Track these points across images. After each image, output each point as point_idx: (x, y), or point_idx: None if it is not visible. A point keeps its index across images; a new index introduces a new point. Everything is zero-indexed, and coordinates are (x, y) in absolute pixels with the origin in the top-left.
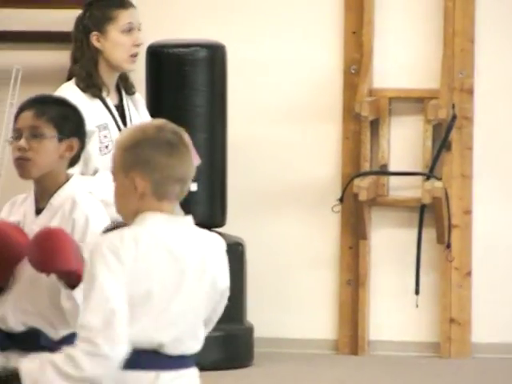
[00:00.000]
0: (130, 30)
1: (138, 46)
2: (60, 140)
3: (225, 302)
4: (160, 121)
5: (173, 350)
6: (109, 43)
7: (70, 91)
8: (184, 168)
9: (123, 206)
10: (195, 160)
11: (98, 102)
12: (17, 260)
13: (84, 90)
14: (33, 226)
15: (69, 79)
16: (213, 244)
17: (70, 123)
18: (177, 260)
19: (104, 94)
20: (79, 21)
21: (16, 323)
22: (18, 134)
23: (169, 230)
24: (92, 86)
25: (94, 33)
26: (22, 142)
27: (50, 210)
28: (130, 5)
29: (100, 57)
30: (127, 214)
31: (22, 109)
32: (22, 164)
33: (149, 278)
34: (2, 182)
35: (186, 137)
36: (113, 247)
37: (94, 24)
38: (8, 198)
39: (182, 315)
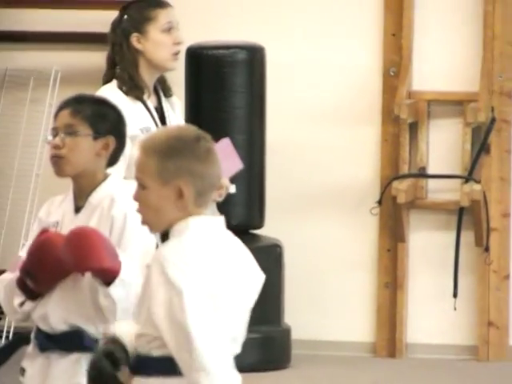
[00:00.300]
0: (169, 29)
1: (178, 44)
2: (95, 138)
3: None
4: (189, 127)
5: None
6: (150, 43)
7: (112, 93)
8: (219, 174)
9: (155, 215)
10: (238, 164)
11: (139, 104)
12: (67, 272)
13: (127, 92)
14: (72, 225)
15: (105, 83)
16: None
17: (106, 121)
18: (229, 260)
19: (145, 97)
20: (116, 24)
21: (58, 322)
22: (55, 132)
23: (216, 232)
24: (135, 88)
25: (134, 34)
26: (57, 140)
27: (88, 208)
28: (168, 4)
29: (141, 58)
30: (159, 224)
31: (60, 108)
32: (57, 162)
33: (213, 282)
34: (41, 181)
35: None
36: (185, 259)
37: (133, 26)
38: (47, 197)
39: (240, 316)
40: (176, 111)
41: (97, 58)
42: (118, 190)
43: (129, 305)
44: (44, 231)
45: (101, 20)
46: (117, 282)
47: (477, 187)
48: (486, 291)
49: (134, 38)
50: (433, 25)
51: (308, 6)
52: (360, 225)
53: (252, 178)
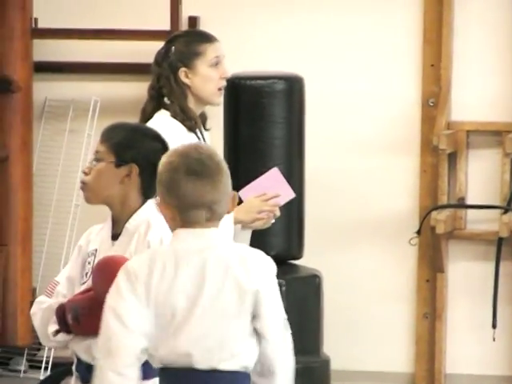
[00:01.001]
0: (217, 63)
1: (225, 78)
2: (118, 165)
3: (268, 305)
4: (188, 145)
5: (202, 363)
6: (198, 78)
7: (170, 123)
8: (202, 193)
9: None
10: (290, 193)
11: (193, 136)
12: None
13: (182, 123)
14: (109, 252)
15: (148, 113)
16: (237, 251)
17: (131, 149)
18: (196, 272)
19: (197, 129)
20: (162, 57)
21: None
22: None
23: (187, 244)
24: (188, 120)
25: (183, 69)
26: (86, 167)
27: (125, 235)
28: (215, 38)
29: (188, 92)
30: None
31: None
32: (82, 188)
33: (171, 295)
34: (80, 212)
35: (215, 162)
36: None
37: (180, 60)
38: (86, 228)
39: (207, 326)
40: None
41: (135, 89)
42: (153, 215)
43: None
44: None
45: (139, 51)
46: None
47: None
48: None
49: (183, 73)
50: (471, 55)
51: (347, 36)
52: (399, 255)
53: (291, 208)
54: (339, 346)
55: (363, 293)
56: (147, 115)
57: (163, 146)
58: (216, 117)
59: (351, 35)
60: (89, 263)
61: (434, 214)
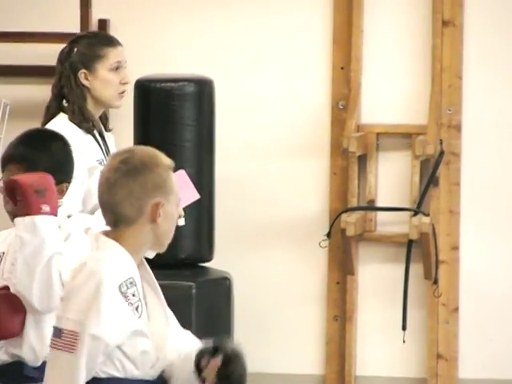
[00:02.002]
0: (117, 68)
1: (125, 84)
2: None
3: None
4: (125, 148)
5: None
6: (97, 81)
7: (66, 126)
8: (104, 195)
9: None
10: (195, 194)
11: (90, 137)
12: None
13: (79, 125)
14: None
15: (51, 114)
16: None
17: (59, 172)
18: None
19: (95, 130)
20: (65, 56)
21: (1, 354)
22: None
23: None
24: (85, 121)
25: (82, 70)
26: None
27: None
28: (118, 43)
29: (88, 94)
30: None
31: (8, 160)
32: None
33: None
34: None
35: (130, 164)
36: None
37: (81, 62)
38: None
39: None
40: (112, 146)
41: (45, 91)
42: (74, 231)
43: None
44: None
45: (49, 53)
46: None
47: (425, 220)
48: (434, 324)
49: (82, 75)
50: (381, 58)
51: (256, 38)
52: (309, 258)
53: (201, 211)
54: (249, 348)
55: (273, 295)
56: (50, 114)
57: (72, 159)
58: (126, 119)
59: (261, 37)
60: None
61: (343, 216)
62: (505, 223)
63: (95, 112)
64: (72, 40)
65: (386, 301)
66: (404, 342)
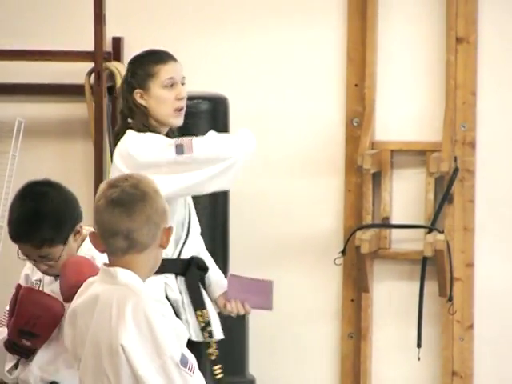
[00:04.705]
0: (172, 84)
1: (181, 99)
2: (65, 243)
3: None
4: (121, 176)
5: None
6: (152, 100)
7: (140, 134)
8: (115, 220)
9: None
10: (268, 305)
11: None
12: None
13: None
14: (55, 285)
15: (116, 135)
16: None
17: (65, 225)
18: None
19: None
20: (124, 78)
21: (35, 381)
22: (28, 258)
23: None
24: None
25: (137, 90)
26: (42, 267)
27: None
28: (171, 58)
29: (147, 113)
30: None
31: (16, 236)
32: (52, 275)
33: None
34: (4, 233)
35: (139, 190)
36: None
37: (136, 82)
38: (12, 249)
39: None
40: None
41: (59, 109)
42: (93, 248)
43: None
44: (19, 287)
45: (63, 71)
46: None
47: (440, 237)
48: (449, 341)
49: (138, 95)
50: (395, 75)
51: (271, 55)
52: (324, 275)
53: (215, 229)
54: (264, 366)
55: (288, 312)
56: (118, 138)
57: (75, 204)
58: None
59: (274, 54)
60: None
61: (358, 233)
62: None
63: (160, 131)
64: (129, 61)
65: (401, 318)
66: (419, 359)
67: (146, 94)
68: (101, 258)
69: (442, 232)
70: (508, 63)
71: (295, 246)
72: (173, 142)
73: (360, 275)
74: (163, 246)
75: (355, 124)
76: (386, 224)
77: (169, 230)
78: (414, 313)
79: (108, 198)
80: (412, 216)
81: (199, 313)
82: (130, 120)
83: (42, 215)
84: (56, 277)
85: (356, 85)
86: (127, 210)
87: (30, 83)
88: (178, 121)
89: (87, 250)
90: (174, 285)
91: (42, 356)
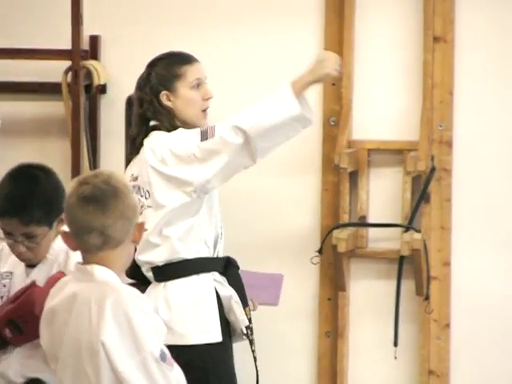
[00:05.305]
0: (198, 85)
1: (208, 99)
2: (51, 226)
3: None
4: (91, 173)
5: None
6: (179, 100)
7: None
8: (89, 217)
9: None
10: (275, 301)
11: None
12: None
13: None
14: (27, 279)
15: (133, 140)
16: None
17: (54, 209)
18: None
19: None
20: (144, 82)
21: (15, 375)
22: (10, 237)
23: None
24: None
25: (164, 92)
26: (21, 248)
27: (46, 263)
28: (195, 59)
29: (174, 114)
30: None
31: (5, 210)
32: (26, 260)
33: None
34: None
35: (110, 186)
36: None
37: (161, 83)
38: None
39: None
40: None
41: (36, 108)
42: None
43: None
44: (33, 283)
45: (40, 69)
46: None
47: (417, 236)
48: (426, 340)
49: (164, 96)
50: (373, 74)
51: (247, 54)
52: (300, 274)
53: None
54: (240, 363)
55: (264, 311)
56: (138, 143)
57: (62, 191)
58: (117, 136)
59: (251, 53)
60: (4, 286)
61: (335, 232)
62: (496, 239)
63: None
64: (149, 64)
65: (378, 317)
66: (396, 358)
67: (172, 95)
68: (75, 254)
69: (419, 231)
70: (485, 63)
71: (272, 245)
72: (198, 130)
73: (337, 274)
74: (136, 241)
75: (332, 123)
76: (362, 223)
77: (141, 226)
78: (391, 312)
79: (80, 195)
80: (389, 215)
81: (247, 310)
82: (153, 122)
83: (34, 194)
84: (28, 267)
85: (333, 84)
86: (101, 207)
87: (7, 81)
88: (204, 121)
89: (61, 243)
90: (224, 282)
91: (22, 350)
